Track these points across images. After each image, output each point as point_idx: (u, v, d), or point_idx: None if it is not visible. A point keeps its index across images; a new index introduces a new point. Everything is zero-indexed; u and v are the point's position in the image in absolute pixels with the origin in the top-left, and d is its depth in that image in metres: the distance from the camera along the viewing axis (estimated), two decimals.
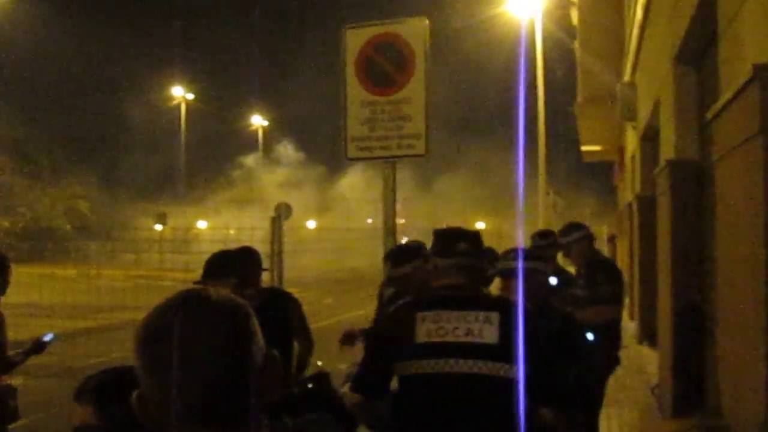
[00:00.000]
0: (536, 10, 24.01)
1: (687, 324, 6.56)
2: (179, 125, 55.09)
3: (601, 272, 5.92)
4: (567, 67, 23.98)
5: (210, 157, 63.68)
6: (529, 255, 4.26)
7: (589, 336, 5.07)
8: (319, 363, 5.08)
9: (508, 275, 4.06)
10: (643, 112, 10.63)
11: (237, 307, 1.33)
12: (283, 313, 4.65)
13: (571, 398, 3.15)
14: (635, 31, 10.82)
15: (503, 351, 2.85)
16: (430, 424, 2.92)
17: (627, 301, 13.10)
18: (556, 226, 6.85)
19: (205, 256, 4.35)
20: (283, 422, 1.58)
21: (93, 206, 52.53)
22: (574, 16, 17.67)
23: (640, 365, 9.87)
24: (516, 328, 2.87)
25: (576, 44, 17.83)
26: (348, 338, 4.90)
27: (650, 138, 10.70)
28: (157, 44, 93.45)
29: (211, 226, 52.27)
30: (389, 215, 5.85)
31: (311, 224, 55.04)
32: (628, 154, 16.02)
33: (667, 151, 7.57)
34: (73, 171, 51.47)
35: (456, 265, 3.12)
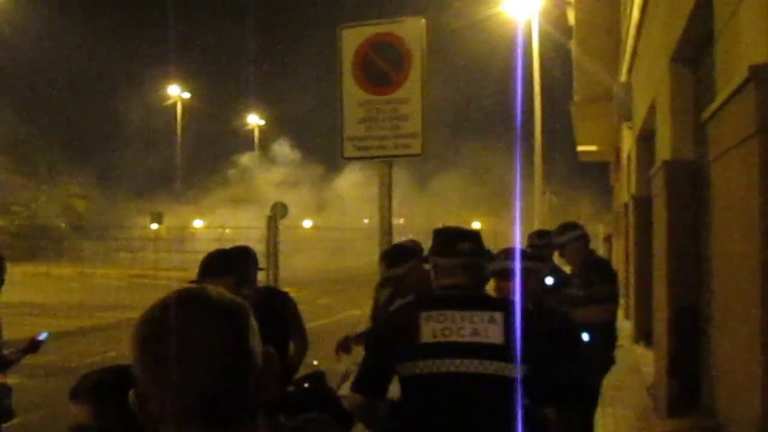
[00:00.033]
0: (533, 10, 24.06)
1: (683, 324, 6.58)
2: (175, 124, 55.06)
3: (596, 272, 5.93)
4: (563, 67, 24.04)
5: (206, 156, 63.75)
6: (523, 255, 4.26)
7: (585, 336, 5.08)
8: (315, 362, 5.08)
9: (503, 275, 4.05)
10: (640, 113, 10.64)
11: (237, 306, 1.33)
12: (278, 312, 4.65)
13: (572, 397, 3.16)
14: (632, 32, 10.83)
15: (509, 351, 2.85)
16: (435, 424, 2.91)
17: (622, 301, 13.12)
18: (552, 226, 6.85)
19: (201, 256, 4.34)
20: (280, 421, 1.58)
21: (89, 205, 52.50)
22: (571, 16, 17.68)
23: (636, 365, 9.88)
24: (521, 328, 2.87)
25: (572, 44, 17.84)
26: (344, 347, 4.89)
27: (646, 138, 10.72)
28: (152, 43, 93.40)
29: (207, 226, 52.30)
30: (385, 215, 5.86)
31: (307, 224, 55.04)
32: (624, 154, 16.04)
33: (663, 152, 7.58)
34: (69, 170, 51.43)
35: (459, 264, 3.10)
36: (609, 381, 6.32)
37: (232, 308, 1.32)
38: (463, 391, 2.88)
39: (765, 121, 3.54)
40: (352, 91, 5.88)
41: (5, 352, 4.97)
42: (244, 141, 63.02)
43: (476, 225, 43.61)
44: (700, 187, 6.43)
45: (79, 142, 59.31)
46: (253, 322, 1.34)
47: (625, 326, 11.91)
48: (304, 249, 45.47)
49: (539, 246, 6.06)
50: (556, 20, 22.62)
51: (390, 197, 5.91)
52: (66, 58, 65.58)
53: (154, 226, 43.44)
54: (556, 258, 6.48)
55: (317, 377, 4.85)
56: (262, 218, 16.94)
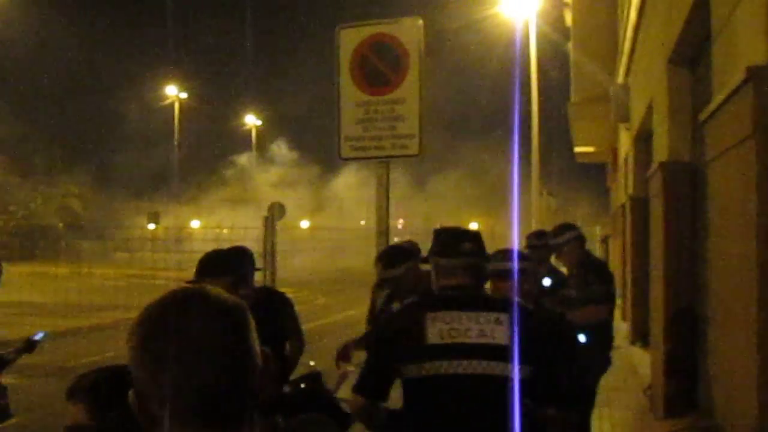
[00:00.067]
0: (530, 10, 24.07)
1: (680, 324, 6.58)
2: (173, 124, 55.03)
3: (592, 273, 5.93)
4: (561, 68, 24.06)
5: (204, 157, 63.75)
6: (519, 256, 4.26)
7: (581, 337, 5.08)
8: (312, 363, 5.08)
9: (498, 276, 4.05)
10: (637, 114, 10.65)
11: (236, 305, 1.33)
12: (276, 312, 4.64)
13: (572, 398, 3.15)
14: (629, 33, 10.84)
15: (514, 352, 2.85)
16: (440, 425, 2.90)
17: (619, 301, 13.12)
18: (550, 227, 6.85)
19: (198, 256, 4.34)
20: (277, 422, 1.58)
21: (86, 205, 52.44)
22: (569, 17, 17.71)
23: (633, 366, 9.89)
24: (524, 329, 2.87)
25: (570, 45, 17.86)
26: (343, 356, 4.87)
27: (644, 139, 10.73)
28: (150, 43, 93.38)
29: (205, 226, 52.20)
30: (382, 215, 5.86)
31: (305, 224, 55.02)
32: (621, 155, 16.04)
33: (660, 153, 7.59)
34: (66, 169, 51.40)
35: (462, 265, 3.09)
36: (606, 382, 6.33)
37: (231, 308, 1.31)
38: (469, 393, 2.86)
39: (762, 122, 3.55)
40: (349, 91, 5.88)
41: (1, 351, 4.97)
42: (241, 141, 63.09)
43: (474, 225, 43.58)
44: (697, 187, 6.44)
45: (76, 142, 59.36)
46: (252, 322, 1.34)
47: (621, 327, 11.92)
48: (301, 249, 45.42)
49: (537, 246, 6.06)
50: (553, 21, 22.69)
51: (387, 198, 5.91)
52: (64, 58, 65.55)
53: (152, 226, 43.43)
54: (554, 259, 6.48)
55: (314, 378, 4.84)
56: (259, 218, 16.89)
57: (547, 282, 5.64)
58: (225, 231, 47.99)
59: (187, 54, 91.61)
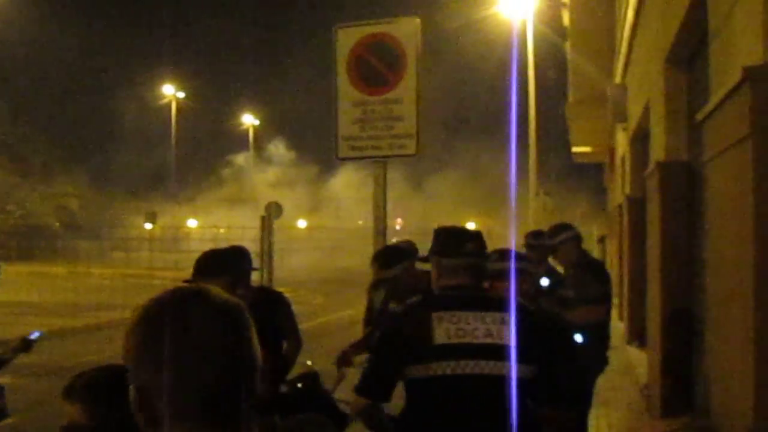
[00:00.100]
0: (528, 11, 24.09)
1: (676, 325, 6.59)
2: (170, 124, 54.99)
3: (589, 273, 5.93)
4: (558, 69, 24.08)
5: (201, 156, 63.57)
6: (517, 256, 4.25)
7: (578, 337, 5.08)
8: (309, 362, 5.07)
9: (495, 276, 4.04)
10: (634, 114, 10.66)
11: (235, 305, 1.33)
12: (273, 312, 4.64)
13: (572, 397, 3.15)
14: (626, 33, 10.85)
15: (519, 352, 2.85)
16: (447, 426, 2.88)
17: (616, 301, 13.14)
18: (547, 227, 6.85)
19: (196, 255, 4.34)
20: (275, 422, 1.58)
21: (83, 204, 52.40)
22: (566, 17, 17.71)
23: (629, 366, 9.89)
24: (528, 329, 2.88)
25: (567, 45, 17.88)
26: (344, 362, 4.86)
27: (641, 139, 10.74)
28: (147, 42, 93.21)
29: (202, 225, 52.23)
30: (380, 215, 5.86)
31: (302, 224, 55.00)
32: (618, 156, 16.06)
33: (657, 153, 7.59)
34: (64, 169, 51.30)
35: (464, 265, 3.08)
36: (603, 382, 6.33)
37: (230, 307, 1.32)
38: (476, 393, 2.86)
39: (760, 122, 3.55)
40: (347, 91, 5.88)
41: None
42: (238, 141, 63.02)
43: (471, 225, 43.54)
44: (694, 188, 6.45)
45: (73, 142, 59.21)
46: (251, 322, 1.34)
47: (618, 327, 11.93)
48: (298, 249, 45.47)
49: (535, 246, 6.06)
50: (551, 21, 22.71)
51: (385, 198, 5.91)
52: (60, 57, 65.33)
53: (149, 225, 43.40)
54: (551, 259, 6.48)
55: (311, 377, 4.84)
56: (256, 218, 16.94)
57: (544, 282, 5.64)
58: (222, 230, 48.05)
59: (184, 53, 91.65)
